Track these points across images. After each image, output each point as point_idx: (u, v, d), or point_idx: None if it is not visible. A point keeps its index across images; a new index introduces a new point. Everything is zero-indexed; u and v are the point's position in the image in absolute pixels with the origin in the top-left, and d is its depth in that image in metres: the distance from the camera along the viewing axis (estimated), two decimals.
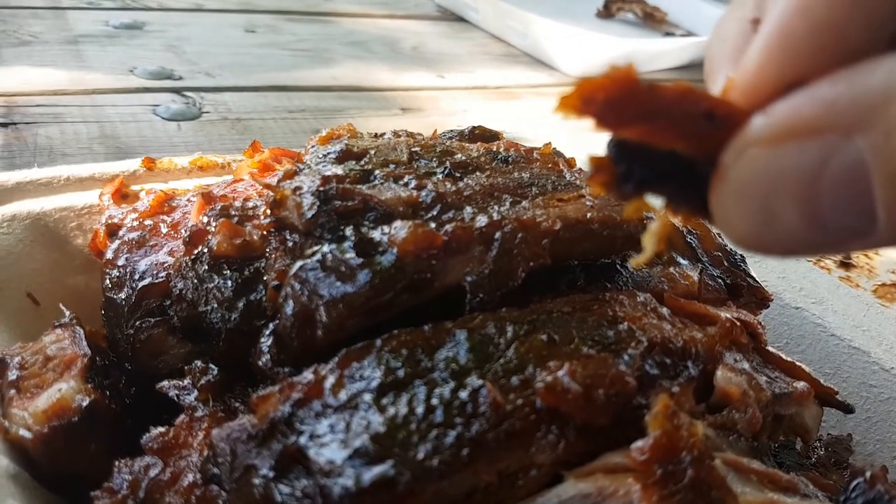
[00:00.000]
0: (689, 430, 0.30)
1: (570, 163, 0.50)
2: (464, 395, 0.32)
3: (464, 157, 0.47)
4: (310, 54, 1.28)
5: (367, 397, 0.32)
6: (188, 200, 0.52)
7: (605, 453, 0.31)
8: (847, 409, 0.42)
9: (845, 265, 0.85)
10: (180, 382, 0.40)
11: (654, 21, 1.66)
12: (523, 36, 1.48)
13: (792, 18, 0.19)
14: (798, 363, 0.42)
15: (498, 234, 0.40)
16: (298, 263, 0.38)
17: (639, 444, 0.29)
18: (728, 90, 0.21)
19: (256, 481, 0.30)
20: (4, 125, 0.90)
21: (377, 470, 0.29)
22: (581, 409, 0.31)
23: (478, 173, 0.46)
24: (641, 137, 0.20)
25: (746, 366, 0.38)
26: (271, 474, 0.30)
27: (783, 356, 0.42)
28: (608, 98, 0.19)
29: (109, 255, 0.48)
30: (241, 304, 0.42)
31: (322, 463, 0.29)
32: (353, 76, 1.22)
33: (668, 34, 1.67)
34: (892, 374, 0.52)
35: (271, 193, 0.43)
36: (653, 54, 1.48)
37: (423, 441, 0.30)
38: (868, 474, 0.33)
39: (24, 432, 0.37)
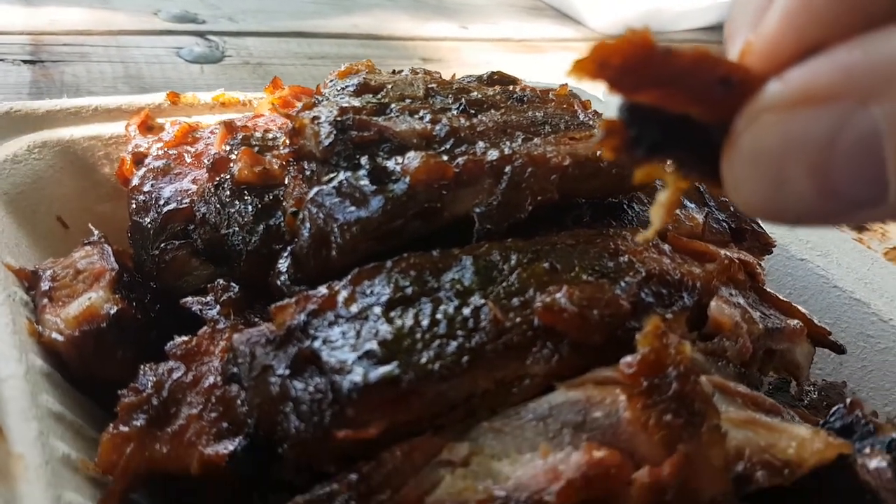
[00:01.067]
0: (676, 348, 0.31)
1: (586, 105, 0.51)
2: (467, 311, 0.34)
3: (479, 96, 0.48)
4: (331, 1, 1.28)
5: (377, 310, 0.34)
6: (211, 132, 0.54)
7: (596, 368, 0.33)
8: (839, 349, 0.44)
9: (859, 228, 0.86)
10: (203, 298, 0.43)
11: None
12: None
13: None
14: (794, 304, 0.43)
15: (508, 168, 0.41)
16: (315, 189, 0.40)
17: (627, 359, 0.31)
18: (745, 54, 0.21)
19: (273, 379, 0.33)
20: (32, 62, 0.92)
21: (383, 369, 0.31)
22: (575, 327, 0.33)
23: (492, 111, 0.47)
24: (655, 102, 0.20)
25: (742, 301, 0.40)
26: (287, 373, 0.32)
27: (779, 296, 0.43)
28: (623, 62, 0.19)
29: (136, 181, 0.51)
30: (260, 228, 0.44)
31: (333, 363, 0.32)
32: (373, 24, 1.22)
33: None
34: (890, 325, 0.54)
35: (291, 124, 0.45)
36: (678, 14, 1.46)
37: (427, 348, 0.32)
38: (848, 401, 0.35)
39: (56, 336, 0.40)
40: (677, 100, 0.20)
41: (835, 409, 0.35)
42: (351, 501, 0.29)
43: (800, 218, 0.20)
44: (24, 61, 0.92)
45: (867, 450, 0.32)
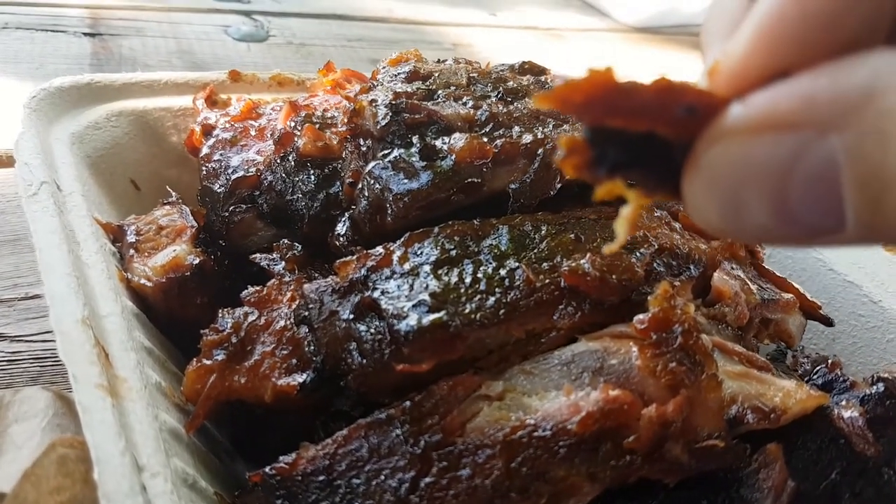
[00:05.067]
0: (682, 309, 0.37)
1: None
2: (503, 272, 0.40)
3: (515, 85, 0.54)
4: None
5: (427, 268, 0.40)
6: (272, 109, 0.59)
7: (613, 324, 0.39)
8: (827, 321, 0.49)
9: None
10: (269, 255, 0.49)
11: None
12: None
13: (784, 6, 0.19)
14: (788, 280, 0.49)
15: (540, 150, 0.47)
16: (373, 163, 0.46)
17: (640, 316, 0.37)
18: (713, 73, 0.21)
19: (339, 322, 0.39)
20: (92, 35, 0.98)
21: (434, 315, 0.37)
22: (596, 288, 0.39)
23: (527, 99, 0.52)
24: (619, 125, 0.20)
25: (742, 274, 0.45)
26: (351, 317, 0.38)
27: (776, 272, 0.49)
28: (585, 100, 0.19)
29: (206, 150, 0.57)
30: (321, 196, 0.50)
31: (392, 310, 0.38)
32: (408, 9, 1.27)
33: None
34: (879, 305, 0.59)
35: (349, 104, 0.50)
36: (703, 8, 1.49)
37: (470, 300, 0.38)
38: (829, 362, 0.40)
39: (144, 281, 0.46)
40: (641, 123, 0.20)
41: (817, 367, 0.40)
42: (405, 423, 0.35)
43: (759, 239, 0.21)
44: (85, 34, 0.98)
45: (843, 402, 0.38)
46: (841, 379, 0.39)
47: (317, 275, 0.48)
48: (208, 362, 0.42)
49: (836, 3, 0.18)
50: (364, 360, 0.37)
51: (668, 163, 0.21)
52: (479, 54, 1.18)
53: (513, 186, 0.46)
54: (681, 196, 0.21)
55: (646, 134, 0.20)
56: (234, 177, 0.54)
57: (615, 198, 0.21)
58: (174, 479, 0.33)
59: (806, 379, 0.41)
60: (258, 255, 0.49)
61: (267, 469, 0.36)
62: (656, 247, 0.43)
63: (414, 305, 0.38)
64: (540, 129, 0.49)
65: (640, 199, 0.22)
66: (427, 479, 0.34)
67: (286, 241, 0.49)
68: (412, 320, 0.37)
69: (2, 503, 0.30)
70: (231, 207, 0.53)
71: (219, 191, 0.54)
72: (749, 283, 0.45)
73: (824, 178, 0.18)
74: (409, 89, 0.50)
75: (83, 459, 0.33)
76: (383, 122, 0.47)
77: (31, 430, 0.34)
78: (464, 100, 0.51)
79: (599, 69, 0.19)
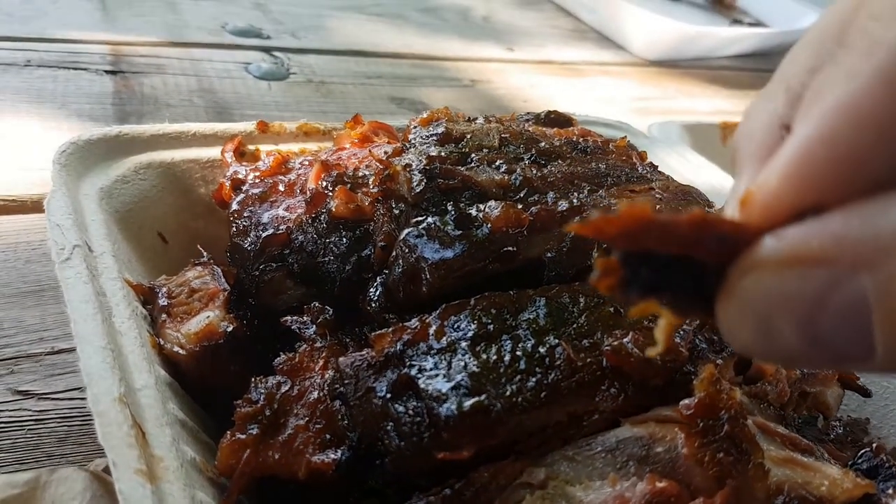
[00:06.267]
0: (728, 394, 0.37)
1: (643, 156, 0.56)
2: (543, 350, 0.40)
3: (547, 146, 0.54)
4: (385, 19, 1.34)
5: (464, 344, 0.40)
6: (300, 164, 0.59)
7: (658, 407, 0.38)
8: (865, 392, 0.48)
9: None
10: (300, 318, 0.48)
11: (722, 6, 1.67)
12: (592, 11, 1.51)
13: (815, 147, 0.19)
14: None
15: (577, 218, 0.46)
16: (407, 230, 0.46)
17: (686, 401, 0.36)
18: (746, 203, 0.21)
19: (375, 400, 0.38)
20: (113, 73, 0.99)
21: (475, 399, 0.36)
22: (640, 370, 0.39)
23: (559, 161, 0.52)
24: (653, 249, 0.21)
25: None
26: (388, 395, 0.38)
27: None
28: (620, 233, 0.20)
29: (235, 206, 0.56)
30: (353, 258, 0.49)
31: (431, 391, 0.37)
32: (425, 44, 1.28)
33: (735, 21, 1.67)
34: None
35: (380, 166, 0.50)
36: (719, 41, 1.50)
37: (511, 382, 0.38)
38: (874, 446, 0.40)
39: (178, 349, 0.46)
40: (675, 249, 0.21)
41: (862, 451, 0.40)
42: None
43: (789, 362, 0.22)
44: (106, 71, 0.98)
45: (890, 490, 0.37)
46: (887, 465, 0.38)
47: (348, 340, 0.47)
48: (242, 437, 0.41)
49: (866, 145, 0.18)
50: (402, 443, 0.37)
51: (701, 285, 0.21)
52: (496, 91, 1.18)
53: (549, 255, 0.46)
54: (713, 317, 0.22)
55: (679, 256, 0.21)
56: (264, 235, 0.54)
57: (649, 314, 0.22)
58: None
59: (850, 464, 0.40)
60: (289, 318, 0.48)
61: None
62: (697, 322, 0.42)
63: (453, 388, 0.37)
64: (575, 195, 0.49)
65: (672, 318, 0.22)
66: None
67: (317, 304, 0.49)
68: (452, 404, 0.36)
69: None
70: (261, 266, 0.53)
71: (249, 248, 0.54)
72: None
73: (854, 314, 0.18)
74: (442, 153, 0.50)
75: None
76: (418, 189, 0.47)
77: None
78: (497, 163, 0.51)
79: (635, 204, 0.20)
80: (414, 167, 0.48)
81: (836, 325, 0.19)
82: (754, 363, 0.43)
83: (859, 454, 0.40)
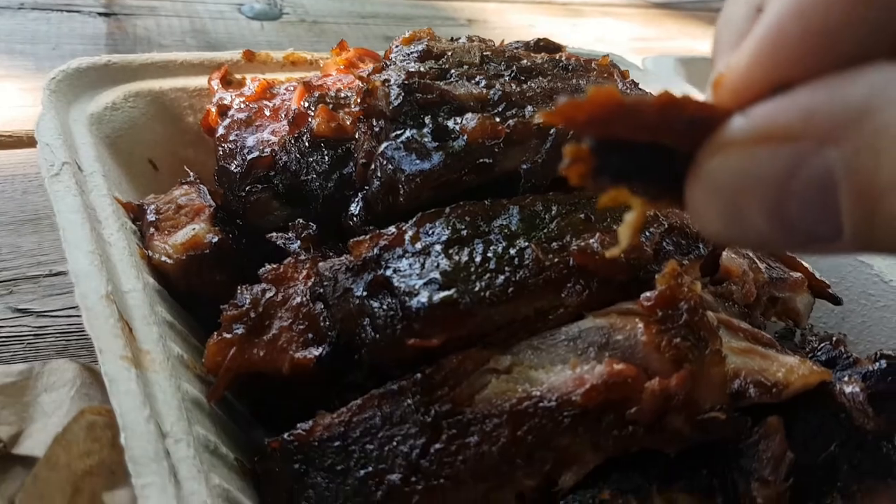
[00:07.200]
0: (689, 287, 0.38)
1: (625, 74, 0.56)
2: (513, 251, 0.41)
3: (529, 64, 0.54)
4: None
5: (438, 247, 0.41)
6: (286, 89, 0.60)
7: (621, 302, 0.40)
8: (836, 300, 0.50)
9: None
10: (285, 234, 0.50)
11: None
12: None
13: (786, 21, 0.19)
14: (797, 258, 0.49)
15: (553, 131, 0.47)
16: (385, 143, 0.47)
17: (647, 294, 0.38)
18: (717, 86, 0.21)
19: (353, 299, 0.40)
20: (107, 15, 0.99)
21: (445, 293, 0.38)
22: (604, 267, 0.40)
23: (540, 78, 0.53)
24: (624, 136, 0.21)
25: (751, 253, 0.46)
26: (364, 294, 0.40)
27: (786, 252, 0.49)
28: (588, 119, 0.20)
29: (221, 131, 0.58)
30: (335, 176, 0.51)
31: (403, 287, 0.39)
32: None
33: None
34: (890, 285, 0.59)
35: (362, 85, 0.51)
36: None
37: (480, 279, 0.39)
38: (833, 339, 0.41)
39: (165, 259, 0.47)
40: (645, 136, 0.21)
41: (821, 344, 0.41)
42: (416, 394, 0.37)
43: (758, 246, 0.21)
44: (99, 14, 0.98)
45: (845, 378, 0.39)
46: (844, 355, 0.40)
47: (331, 254, 0.49)
48: (228, 336, 0.43)
49: (838, 18, 0.18)
50: (377, 335, 0.39)
51: (672, 171, 0.21)
52: (493, 31, 1.18)
53: (524, 167, 0.47)
54: (683, 203, 0.22)
55: (649, 143, 0.21)
56: (249, 157, 0.55)
57: (620, 204, 0.22)
58: (196, 445, 0.35)
59: (810, 355, 0.42)
60: (274, 234, 0.50)
61: (285, 435, 0.38)
62: (666, 226, 0.44)
63: (425, 283, 0.39)
64: (553, 108, 0.49)
65: (643, 207, 0.22)
66: (437, 446, 0.35)
67: (301, 220, 0.50)
68: (423, 297, 0.38)
69: (35, 466, 0.32)
70: (247, 187, 0.54)
71: (235, 171, 0.55)
72: (758, 261, 0.46)
73: (821, 190, 0.18)
74: (421, 69, 0.51)
75: (110, 426, 0.35)
76: (396, 103, 0.48)
77: (59, 400, 0.36)
78: (477, 79, 0.51)
79: (602, 88, 0.20)
80: (392, 82, 0.49)
81: (803, 204, 0.19)
82: (721, 264, 0.44)
83: (819, 347, 0.41)
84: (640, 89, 0.56)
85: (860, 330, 0.61)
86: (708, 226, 0.21)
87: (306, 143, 0.52)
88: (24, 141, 0.74)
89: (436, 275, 0.39)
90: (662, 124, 0.20)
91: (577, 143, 0.21)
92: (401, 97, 0.48)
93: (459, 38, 0.57)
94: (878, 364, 0.39)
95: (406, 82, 0.49)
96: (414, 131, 0.47)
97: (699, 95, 0.83)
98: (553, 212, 0.44)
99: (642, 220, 0.23)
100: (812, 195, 0.18)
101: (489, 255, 0.41)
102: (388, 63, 0.52)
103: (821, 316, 0.63)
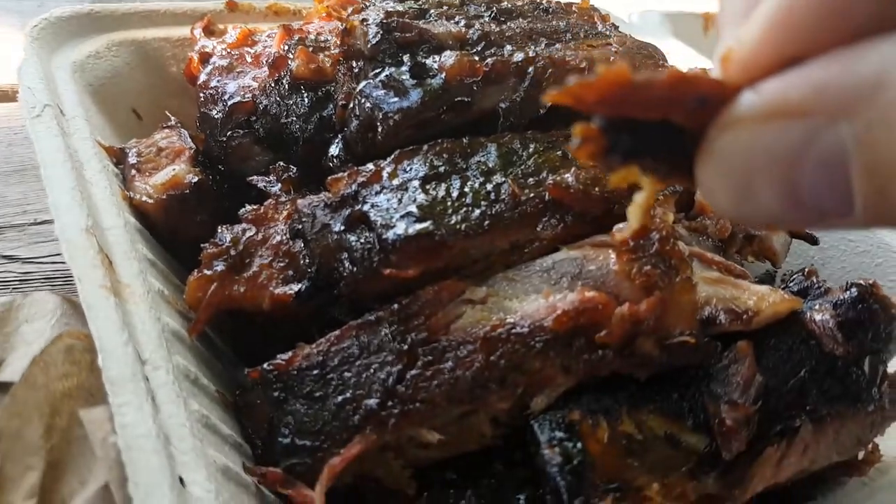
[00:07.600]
0: (661, 217, 0.38)
1: (605, 17, 0.56)
2: (489, 186, 0.41)
3: (509, 5, 0.54)
4: None
5: (415, 183, 0.42)
6: (268, 36, 0.60)
7: (595, 235, 0.40)
8: (812, 240, 0.50)
9: None
10: (266, 178, 0.50)
11: None
12: None
13: None
14: None
15: (531, 69, 0.47)
16: (364, 82, 0.47)
17: (619, 226, 0.38)
18: (726, 60, 0.21)
19: (331, 234, 0.40)
20: None
21: (420, 225, 0.38)
22: (579, 200, 0.40)
23: (520, 19, 0.53)
24: (633, 115, 0.20)
25: None
26: (342, 228, 0.40)
27: None
28: (598, 99, 0.20)
29: (203, 77, 0.57)
30: (315, 119, 0.51)
31: (380, 221, 0.39)
32: None
33: None
34: (870, 231, 0.60)
35: (343, 25, 0.51)
36: None
37: (456, 212, 0.40)
38: (805, 270, 0.42)
39: (146, 199, 0.48)
40: (655, 114, 0.20)
41: (793, 274, 0.42)
42: (393, 324, 0.37)
43: (769, 223, 0.21)
44: None
45: (816, 306, 0.39)
46: (816, 285, 0.40)
47: (311, 195, 0.49)
48: (209, 272, 0.44)
49: None
50: (354, 268, 0.39)
51: (682, 149, 0.21)
52: None
53: (502, 105, 0.47)
54: (694, 181, 0.21)
55: (659, 121, 0.21)
56: (230, 102, 0.55)
57: (630, 184, 0.22)
58: (176, 373, 0.35)
59: (782, 286, 0.42)
60: (255, 177, 0.50)
61: (265, 365, 0.38)
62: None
63: (402, 217, 0.39)
64: (532, 47, 0.49)
65: (654, 185, 0.22)
66: (413, 372, 0.36)
67: (282, 163, 0.50)
68: (399, 229, 0.38)
69: (12, 387, 0.32)
70: (229, 132, 0.54)
71: (216, 116, 0.55)
72: None
73: (833, 165, 0.18)
74: (400, 8, 0.51)
75: (89, 350, 0.35)
76: (374, 41, 0.48)
77: (40, 329, 0.37)
78: (456, 19, 0.51)
79: (612, 68, 0.19)
80: (371, 21, 0.49)
81: (814, 179, 0.18)
82: (696, 200, 0.44)
83: (791, 278, 0.42)
84: (620, 31, 0.55)
85: (840, 276, 0.62)
86: (719, 203, 0.21)
87: (286, 86, 0.52)
88: (9, 94, 0.73)
89: (413, 208, 0.40)
90: (672, 101, 0.20)
91: (587, 122, 0.21)
92: (379, 35, 0.48)
93: None
94: (848, 293, 0.39)
95: (384, 21, 0.48)
96: (392, 69, 0.47)
97: (685, 50, 0.83)
98: (530, 149, 0.45)
99: (653, 200, 0.23)
100: (824, 171, 0.18)
101: (466, 190, 0.41)
102: (368, 4, 0.52)
103: (801, 262, 0.63)
